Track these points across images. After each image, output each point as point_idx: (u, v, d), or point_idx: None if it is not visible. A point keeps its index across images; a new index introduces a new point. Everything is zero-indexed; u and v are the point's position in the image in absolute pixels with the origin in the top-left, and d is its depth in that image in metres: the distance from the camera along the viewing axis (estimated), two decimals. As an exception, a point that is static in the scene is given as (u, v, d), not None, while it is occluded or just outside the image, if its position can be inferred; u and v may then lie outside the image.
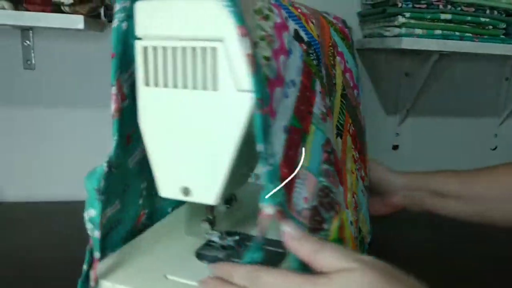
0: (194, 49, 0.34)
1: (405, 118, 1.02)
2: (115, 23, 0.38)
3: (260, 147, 0.33)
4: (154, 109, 0.37)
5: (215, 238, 0.45)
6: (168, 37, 0.35)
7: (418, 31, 0.79)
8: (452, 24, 0.80)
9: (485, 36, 0.83)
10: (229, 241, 0.45)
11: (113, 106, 0.40)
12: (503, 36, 0.85)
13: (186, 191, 0.38)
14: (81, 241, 0.59)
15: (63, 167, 0.85)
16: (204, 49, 0.34)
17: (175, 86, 0.36)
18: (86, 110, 0.84)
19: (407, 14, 0.78)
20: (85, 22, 0.64)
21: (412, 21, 0.79)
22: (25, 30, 0.78)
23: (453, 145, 1.09)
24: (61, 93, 0.83)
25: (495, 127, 1.12)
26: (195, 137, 0.36)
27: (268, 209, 0.32)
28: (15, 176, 0.84)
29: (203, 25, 0.34)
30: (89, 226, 0.37)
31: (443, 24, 0.80)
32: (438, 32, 0.80)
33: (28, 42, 0.79)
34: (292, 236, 0.31)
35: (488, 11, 0.82)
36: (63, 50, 0.81)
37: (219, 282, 0.33)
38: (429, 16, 0.78)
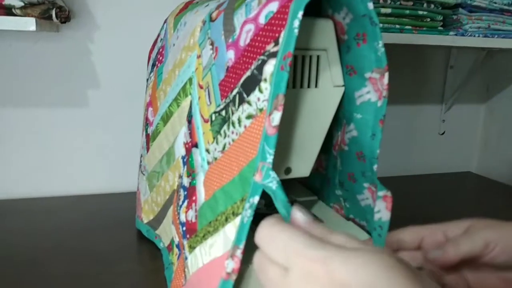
0: (303, 57, 0.43)
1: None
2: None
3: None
4: None
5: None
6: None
7: (361, 25, 0.84)
8: (392, 18, 0.86)
9: (424, 28, 0.89)
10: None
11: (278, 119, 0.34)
12: (440, 28, 0.91)
13: (288, 171, 0.46)
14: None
15: (15, 166, 0.87)
16: (310, 57, 0.44)
17: (294, 87, 0.43)
18: (44, 109, 0.86)
19: (350, 9, 0.83)
20: (38, 24, 0.67)
21: (355, 15, 0.83)
22: (-21, 32, 0.79)
23: (402, 130, 1.16)
24: (19, 94, 0.84)
25: (442, 113, 1.19)
26: (299, 125, 0.45)
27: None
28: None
29: (314, 38, 0.43)
30: None
31: (383, 17, 0.85)
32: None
33: (-17, 44, 0.81)
34: (301, 221, 0.30)
35: (425, 5, 0.87)
36: (20, 51, 0.83)
37: None
38: (370, 11, 0.84)
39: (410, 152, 1.18)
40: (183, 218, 0.47)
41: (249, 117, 0.38)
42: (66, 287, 0.53)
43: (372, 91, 0.43)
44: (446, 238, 0.41)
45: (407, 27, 0.87)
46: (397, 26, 0.86)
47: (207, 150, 0.44)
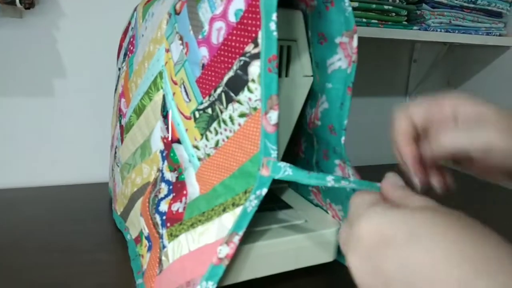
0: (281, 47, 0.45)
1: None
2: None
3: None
4: None
5: None
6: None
7: (329, 18, 0.86)
8: (359, 12, 0.88)
9: (389, 23, 0.92)
10: None
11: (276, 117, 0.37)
12: (405, 23, 0.94)
13: None
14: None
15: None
16: (281, 47, 0.45)
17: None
18: (7, 98, 0.83)
19: (319, 2, 0.84)
20: (0, 9, 0.65)
21: (324, 8, 0.85)
22: None
23: (368, 122, 1.20)
24: (-19, 81, 0.82)
25: (406, 105, 1.23)
26: None
27: None
28: None
29: (284, 29, 0.43)
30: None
31: (351, 11, 0.87)
32: (347, 19, 0.87)
33: None
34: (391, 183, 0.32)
35: (391, 0, 0.90)
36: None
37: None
38: (338, 4, 0.86)
39: (375, 143, 1.22)
40: (163, 208, 0.47)
41: (242, 115, 0.39)
42: (32, 278, 0.52)
43: (343, 58, 0.44)
44: (454, 119, 0.35)
45: (373, 21, 0.90)
46: (364, 20, 0.89)
47: (196, 147, 0.45)
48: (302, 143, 0.57)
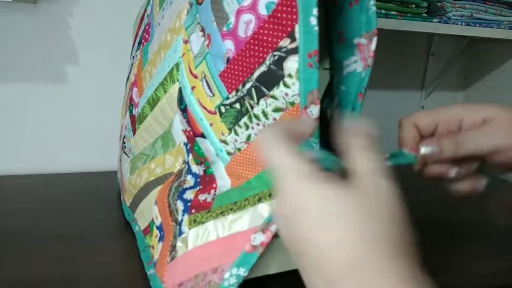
0: None
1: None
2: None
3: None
4: None
5: None
6: None
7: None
8: (378, 3, 0.85)
9: (409, 14, 0.89)
10: None
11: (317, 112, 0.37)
12: (425, 15, 0.91)
13: None
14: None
15: None
16: None
17: None
18: (20, 84, 0.83)
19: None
20: (14, -6, 0.64)
21: None
22: (-49, 1, 0.75)
23: (382, 116, 1.17)
24: (-6, 67, 0.81)
25: (422, 99, 1.21)
26: None
27: None
28: None
29: None
30: None
31: (370, 2, 0.85)
32: (365, 10, 0.85)
33: (-45, 13, 0.77)
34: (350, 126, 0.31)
35: (411, -9, 0.88)
36: (-6, 23, 0.79)
37: None
38: (357, -5, 0.83)
39: (389, 137, 1.20)
40: (189, 196, 0.47)
41: (277, 110, 0.39)
42: (40, 268, 0.52)
43: (359, 60, 0.42)
44: (459, 128, 0.37)
45: (392, 12, 0.87)
46: (383, 11, 0.86)
47: (224, 141, 0.44)
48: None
